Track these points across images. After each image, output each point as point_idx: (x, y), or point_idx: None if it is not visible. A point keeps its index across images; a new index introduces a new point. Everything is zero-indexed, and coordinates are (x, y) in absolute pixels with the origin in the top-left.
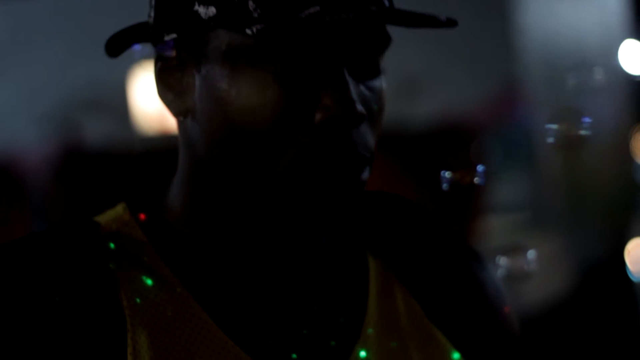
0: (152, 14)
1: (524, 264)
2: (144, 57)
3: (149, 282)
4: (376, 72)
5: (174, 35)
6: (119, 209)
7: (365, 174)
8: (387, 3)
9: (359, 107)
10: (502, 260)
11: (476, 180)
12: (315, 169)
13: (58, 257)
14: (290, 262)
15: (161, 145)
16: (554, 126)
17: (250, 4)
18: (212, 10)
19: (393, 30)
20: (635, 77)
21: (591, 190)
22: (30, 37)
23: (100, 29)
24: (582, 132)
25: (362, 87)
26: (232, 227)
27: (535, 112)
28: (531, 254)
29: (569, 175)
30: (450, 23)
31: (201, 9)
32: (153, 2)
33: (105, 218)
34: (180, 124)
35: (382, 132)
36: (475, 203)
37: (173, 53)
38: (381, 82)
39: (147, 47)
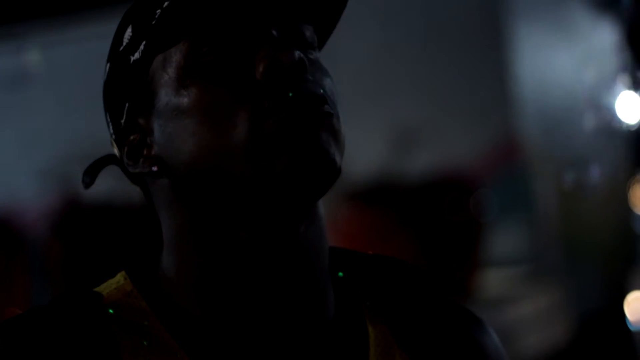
0: (108, 121)
1: None
2: None
3: (155, 352)
4: (309, 45)
5: (126, 106)
6: (120, 278)
7: (327, 108)
8: None
9: (297, 52)
10: None
11: None
12: (271, 121)
13: (63, 331)
14: (293, 329)
15: None
16: None
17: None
18: (142, 44)
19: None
20: (632, 127)
21: (590, 242)
22: (27, 91)
23: (99, 83)
24: None
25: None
26: (228, 288)
27: (533, 162)
28: None
29: (567, 227)
30: None
31: (136, 55)
32: (107, 116)
33: (107, 289)
34: (153, 181)
35: (379, 184)
36: (473, 256)
37: (133, 129)
38: (318, 59)
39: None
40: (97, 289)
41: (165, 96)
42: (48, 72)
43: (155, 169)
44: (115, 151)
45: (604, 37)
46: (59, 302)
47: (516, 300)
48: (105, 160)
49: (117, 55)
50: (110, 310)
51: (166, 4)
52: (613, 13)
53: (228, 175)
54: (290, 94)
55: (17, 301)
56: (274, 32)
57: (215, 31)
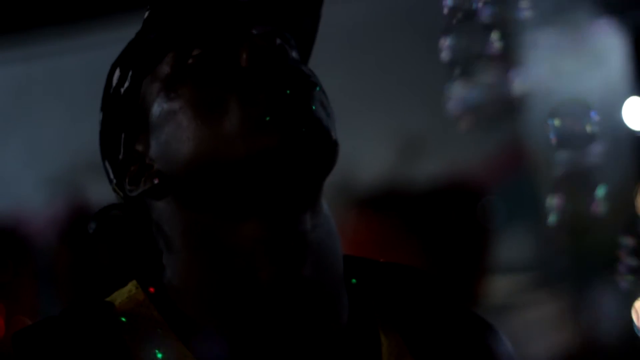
0: (107, 168)
1: None
2: None
3: None
4: (289, 45)
5: (122, 138)
6: (131, 287)
7: (314, 79)
8: None
9: (278, 39)
10: None
11: None
12: (262, 95)
13: (75, 341)
14: (305, 336)
15: None
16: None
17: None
18: (130, 73)
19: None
20: (639, 134)
21: (597, 249)
22: (34, 99)
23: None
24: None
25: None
26: (235, 294)
27: (539, 170)
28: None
29: (574, 234)
30: None
31: (126, 84)
32: (106, 164)
33: (119, 298)
34: (155, 201)
35: (386, 191)
36: (480, 263)
37: (132, 160)
38: (299, 59)
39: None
40: (109, 299)
41: (158, 107)
42: (55, 80)
43: (156, 181)
44: (118, 196)
45: (610, 43)
46: (72, 312)
47: (523, 307)
48: (109, 209)
49: (108, 97)
50: (123, 319)
51: (146, 14)
52: (620, 18)
53: (226, 162)
54: (277, 69)
55: (25, 309)
56: (254, 32)
57: (197, 38)
